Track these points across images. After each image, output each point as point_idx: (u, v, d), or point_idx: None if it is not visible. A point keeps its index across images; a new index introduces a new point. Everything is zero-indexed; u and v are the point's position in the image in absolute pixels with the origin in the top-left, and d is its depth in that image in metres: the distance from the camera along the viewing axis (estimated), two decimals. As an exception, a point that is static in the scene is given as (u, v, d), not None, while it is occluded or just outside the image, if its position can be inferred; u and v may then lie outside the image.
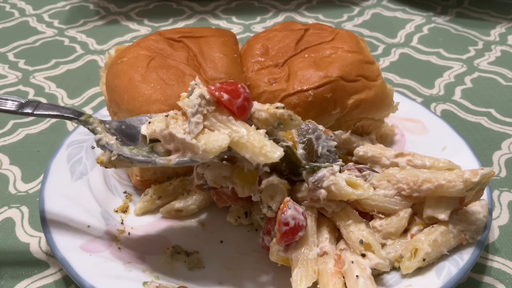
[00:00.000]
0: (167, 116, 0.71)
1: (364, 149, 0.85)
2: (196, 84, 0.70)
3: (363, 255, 0.69)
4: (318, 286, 0.69)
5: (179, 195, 0.86)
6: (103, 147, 0.69)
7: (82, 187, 0.87)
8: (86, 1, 1.78)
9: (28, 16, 1.68)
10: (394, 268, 0.72)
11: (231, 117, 0.67)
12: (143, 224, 0.84)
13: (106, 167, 0.70)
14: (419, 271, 0.71)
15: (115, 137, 0.70)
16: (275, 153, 0.63)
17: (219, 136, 0.65)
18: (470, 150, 0.91)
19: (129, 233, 0.81)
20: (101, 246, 0.77)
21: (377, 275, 0.71)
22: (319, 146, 0.77)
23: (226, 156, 0.71)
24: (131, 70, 0.86)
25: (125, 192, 0.90)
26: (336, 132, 0.86)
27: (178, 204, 0.84)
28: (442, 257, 0.72)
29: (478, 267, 0.79)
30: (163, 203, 0.86)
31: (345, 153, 0.89)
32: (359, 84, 0.88)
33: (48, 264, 0.80)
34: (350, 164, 0.84)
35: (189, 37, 0.95)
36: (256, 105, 0.70)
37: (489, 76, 1.32)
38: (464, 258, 0.71)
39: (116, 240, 0.79)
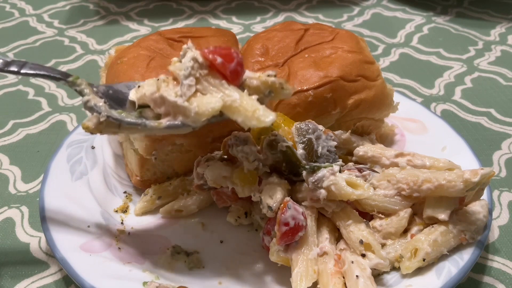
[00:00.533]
0: (158, 80, 0.69)
1: (364, 149, 0.85)
2: (188, 48, 0.68)
3: (363, 255, 0.69)
4: (318, 286, 0.69)
5: (179, 195, 0.86)
6: (91, 109, 0.67)
7: (82, 187, 0.87)
8: (86, 1, 1.78)
9: (28, 16, 1.68)
10: (394, 268, 0.72)
11: (224, 81, 0.66)
12: (143, 224, 0.84)
13: (92, 133, 0.68)
14: (419, 271, 0.71)
15: (103, 99, 0.68)
16: (268, 117, 0.62)
17: (212, 99, 0.64)
18: (470, 150, 0.91)
19: (129, 233, 0.81)
20: (101, 246, 0.77)
21: (377, 275, 0.71)
22: (319, 146, 0.77)
23: (215, 121, 0.69)
24: (131, 70, 0.86)
25: (125, 192, 0.90)
26: (336, 132, 0.86)
27: (178, 204, 0.84)
28: (442, 257, 0.72)
29: (478, 267, 0.79)
30: (163, 203, 0.86)
31: (345, 153, 0.89)
32: (359, 84, 0.88)
33: (48, 264, 0.80)
34: (350, 164, 0.84)
35: (189, 37, 0.95)
36: (247, 72, 0.69)
37: (489, 76, 1.32)
38: (464, 258, 0.71)
39: (116, 240, 0.79)
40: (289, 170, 0.78)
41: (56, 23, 1.63)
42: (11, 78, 1.32)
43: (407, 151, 0.83)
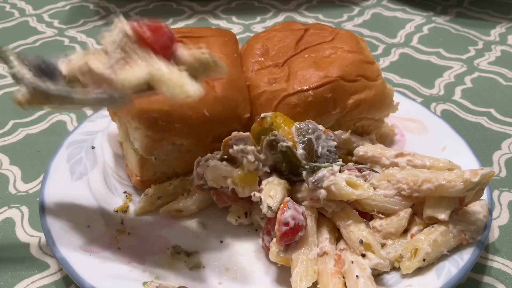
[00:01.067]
0: (86, 52, 0.68)
1: (364, 149, 0.85)
2: (119, 21, 0.68)
3: (363, 255, 0.69)
4: (318, 286, 0.69)
5: (179, 195, 0.86)
6: (20, 80, 0.66)
7: (82, 187, 0.87)
8: (86, 1, 1.78)
9: (28, 16, 1.68)
10: (394, 268, 0.72)
11: (153, 55, 0.66)
12: (143, 224, 0.84)
13: (22, 107, 0.67)
14: (419, 271, 0.71)
15: (32, 72, 0.67)
16: (193, 88, 0.62)
17: (138, 71, 0.64)
18: (470, 150, 0.91)
19: (129, 233, 0.81)
20: (101, 246, 0.77)
21: (377, 275, 0.71)
22: (319, 146, 0.77)
23: (145, 95, 0.68)
24: (131, 70, 0.86)
25: (125, 192, 0.90)
26: (336, 132, 0.86)
27: (178, 204, 0.84)
28: (442, 257, 0.72)
29: (478, 267, 0.79)
30: (163, 203, 0.86)
31: (345, 153, 0.89)
32: (359, 84, 0.88)
33: (48, 264, 0.80)
34: (350, 164, 0.84)
35: (189, 37, 0.95)
36: (181, 48, 0.68)
37: (489, 76, 1.32)
38: (464, 258, 0.71)
39: (116, 240, 0.79)
40: (289, 170, 0.78)
41: (56, 23, 1.63)
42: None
43: (407, 151, 0.83)
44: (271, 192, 0.74)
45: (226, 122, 0.85)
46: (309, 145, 0.77)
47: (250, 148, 0.77)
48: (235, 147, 0.77)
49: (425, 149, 0.88)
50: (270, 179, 0.77)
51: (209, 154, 0.80)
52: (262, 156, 0.77)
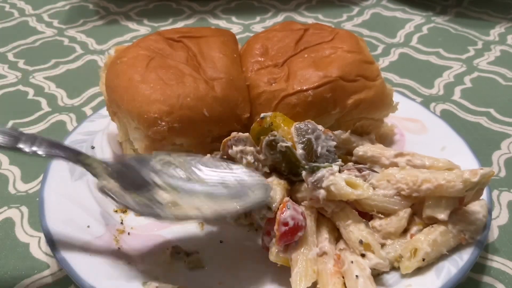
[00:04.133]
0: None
1: (364, 149, 0.85)
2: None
3: (363, 255, 0.69)
4: (317, 286, 0.69)
5: (179, 195, 0.86)
6: (106, 194, 0.67)
7: (82, 187, 0.87)
8: (85, 1, 1.78)
9: (28, 16, 1.68)
10: (394, 268, 0.72)
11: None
12: (143, 224, 0.84)
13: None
14: (419, 271, 0.71)
15: (117, 184, 0.67)
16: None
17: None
18: (469, 150, 0.91)
19: (129, 233, 0.81)
20: (101, 246, 0.77)
21: (376, 275, 0.71)
22: (318, 146, 0.77)
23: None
24: (130, 70, 0.86)
25: (125, 192, 0.90)
26: (335, 132, 0.86)
27: (178, 204, 0.84)
28: (441, 257, 0.72)
29: (478, 267, 0.79)
30: (163, 203, 0.86)
31: (344, 153, 0.89)
32: (358, 84, 0.88)
33: (48, 264, 0.80)
34: (350, 164, 0.84)
35: (189, 37, 0.95)
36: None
37: (489, 76, 1.32)
38: (463, 258, 0.71)
39: (116, 240, 0.79)
40: (288, 170, 0.78)
41: (55, 23, 1.63)
42: (11, 78, 1.32)
43: (407, 151, 0.83)
44: (271, 192, 0.74)
45: (225, 122, 0.85)
46: (309, 145, 0.77)
47: (249, 149, 0.77)
48: (234, 148, 0.77)
49: (425, 149, 0.88)
50: (270, 179, 0.77)
51: (208, 155, 0.80)
52: (261, 157, 0.77)
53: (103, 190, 0.67)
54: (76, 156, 0.69)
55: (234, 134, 0.78)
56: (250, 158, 0.76)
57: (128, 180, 0.69)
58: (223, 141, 0.79)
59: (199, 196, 0.68)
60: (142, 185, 0.69)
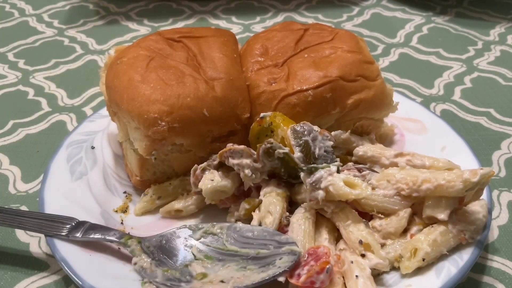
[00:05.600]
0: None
1: (364, 149, 0.85)
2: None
3: (363, 255, 0.69)
4: (317, 286, 0.69)
5: (178, 195, 0.86)
6: (138, 271, 0.71)
7: (82, 187, 0.87)
8: (85, 1, 1.78)
9: (28, 16, 1.68)
10: (394, 268, 0.72)
11: None
12: (143, 224, 0.84)
13: None
14: (419, 271, 0.71)
15: (150, 259, 0.72)
16: None
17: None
18: (469, 150, 0.91)
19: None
20: (101, 246, 0.77)
21: (376, 275, 0.71)
22: (316, 147, 0.77)
23: None
24: (130, 70, 0.86)
25: (125, 192, 0.90)
26: (335, 132, 0.86)
27: (177, 204, 0.84)
28: (441, 257, 0.72)
29: (478, 267, 0.79)
30: (163, 203, 0.86)
31: (344, 153, 0.89)
32: (358, 84, 0.88)
33: (48, 264, 0.80)
34: (350, 164, 0.84)
35: (189, 37, 0.95)
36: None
37: (489, 76, 1.32)
38: (463, 258, 0.71)
39: (116, 240, 0.79)
40: (288, 174, 0.78)
41: (56, 23, 1.63)
42: (11, 78, 1.32)
43: (407, 151, 0.83)
44: (269, 208, 0.74)
45: (225, 122, 0.85)
46: (306, 147, 0.76)
47: (245, 162, 0.77)
48: (231, 160, 0.77)
49: (425, 149, 0.88)
50: (268, 189, 0.77)
51: (205, 163, 0.80)
52: (259, 165, 0.77)
53: (134, 266, 0.72)
54: (119, 238, 0.75)
55: (229, 146, 0.78)
56: (247, 171, 0.76)
57: (165, 251, 0.74)
58: (219, 152, 0.79)
59: (230, 267, 0.70)
60: (177, 257, 0.73)
